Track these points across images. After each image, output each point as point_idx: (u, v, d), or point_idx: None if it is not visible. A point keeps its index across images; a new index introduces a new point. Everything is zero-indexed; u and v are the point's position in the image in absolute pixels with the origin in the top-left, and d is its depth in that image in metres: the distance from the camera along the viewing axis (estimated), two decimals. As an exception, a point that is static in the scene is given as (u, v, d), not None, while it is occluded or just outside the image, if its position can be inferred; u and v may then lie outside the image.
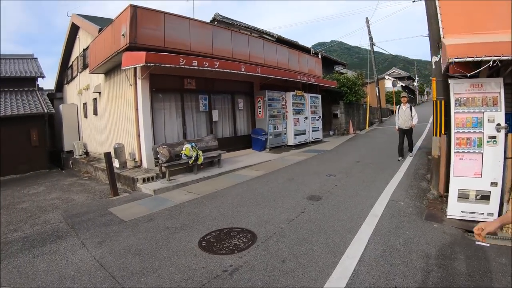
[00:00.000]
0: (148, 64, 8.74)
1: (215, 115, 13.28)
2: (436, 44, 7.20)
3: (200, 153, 10.28)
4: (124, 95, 11.47)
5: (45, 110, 16.61)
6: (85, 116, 16.97)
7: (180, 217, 6.57)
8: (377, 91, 31.19)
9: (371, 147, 15.05)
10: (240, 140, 14.48)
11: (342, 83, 23.10)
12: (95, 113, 15.08)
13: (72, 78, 19.19)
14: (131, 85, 10.75)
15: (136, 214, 6.96)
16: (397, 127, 11.16)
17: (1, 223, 7.08)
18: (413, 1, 30.53)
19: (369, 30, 33.80)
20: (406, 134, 11.01)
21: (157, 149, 9.66)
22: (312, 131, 17.60)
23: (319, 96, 18.95)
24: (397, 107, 11.33)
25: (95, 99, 15.01)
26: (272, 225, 5.71)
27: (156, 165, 10.23)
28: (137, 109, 10.50)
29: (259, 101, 14.90)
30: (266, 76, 13.69)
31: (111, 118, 12.93)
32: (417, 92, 69.82)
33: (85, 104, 16.92)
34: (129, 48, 9.59)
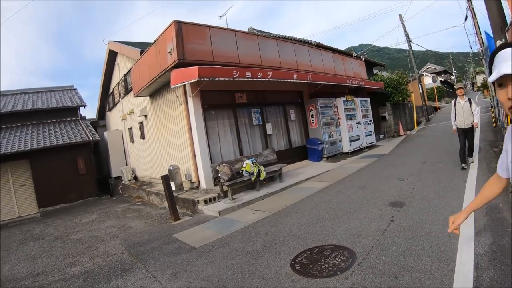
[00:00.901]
0: (202, 79, 8.16)
1: (269, 128, 12.60)
2: (499, 28, 6.28)
3: (262, 168, 9.55)
4: (174, 115, 10.98)
5: (90, 138, 16.44)
6: (132, 141, 16.68)
7: (258, 239, 5.81)
8: (420, 88, 30.10)
9: (430, 146, 13.94)
10: (296, 152, 13.71)
11: (387, 84, 22.19)
12: (142, 136, 14.71)
13: (114, 105, 19.09)
14: (181, 104, 10.23)
15: (206, 239, 6.26)
16: (454, 127, 8.95)
17: (57, 256, 6.60)
18: None
19: (404, 27, 32.89)
20: (467, 134, 8.67)
21: (216, 168, 9.01)
22: (365, 136, 16.64)
23: (368, 99, 18.04)
24: (452, 102, 8.99)
25: (141, 123, 14.66)
26: (365, 238, 4.96)
27: (215, 185, 9.62)
28: (190, 128, 9.94)
29: (311, 109, 14.10)
30: (317, 82, 12.98)
31: (161, 140, 12.47)
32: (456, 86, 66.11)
33: (130, 129, 16.64)
34: (177, 65, 9.07)
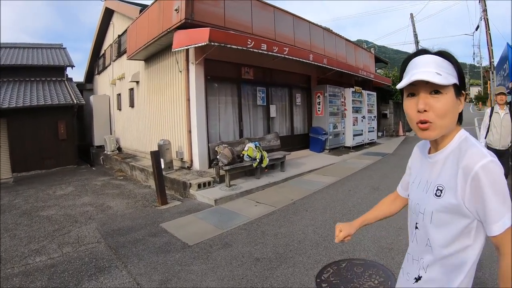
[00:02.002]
0: (213, 44, 6.92)
1: (273, 111, 11.50)
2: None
3: (265, 154, 8.47)
4: (171, 83, 9.76)
5: (75, 101, 15.00)
6: (119, 108, 15.33)
7: (267, 242, 4.73)
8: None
9: None
10: (297, 140, 12.64)
11: (392, 81, 21.20)
12: (131, 105, 13.40)
13: (104, 68, 17.63)
14: (181, 71, 9.03)
15: (202, 235, 5.14)
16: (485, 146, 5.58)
17: (21, 237, 5.47)
18: None
19: (413, 26, 32.10)
20: (502, 159, 5.46)
21: (215, 149, 7.87)
22: (368, 131, 15.80)
23: (375, 94, 17.18)
24: (487, 111, 6.45)
25: (131, 90, 13.33)
26: (398, 253, 4.05)
27: (210, 167, 8.57)
28: (188, 100, 8.74)
29: (319, 96, 13.02)
30: (330, 68, 11.94)
31: (152, 110, 11.23)
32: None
33: (119, 95, 15.27)
34: (183, 26, 7.83)
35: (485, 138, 6.29)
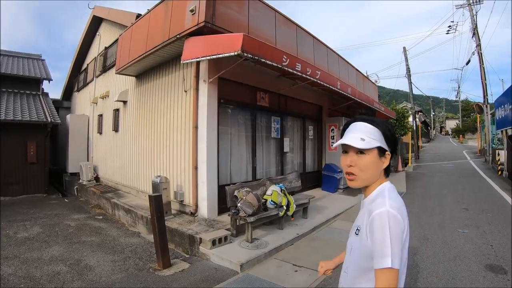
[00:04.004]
0: (245, 55, 5.22)
1: (286, 144, 9.94)
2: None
3: (291, 199, 6.79)
4: (171, 105, 8.02)
5: (49, 119, 12.94)
6: (99, 131, 13.29)
7: None
8: (414, 124, 28.72)
9: (449, 188, 12.34)
10: (309, 178, 11.05)
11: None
12: (115, 128, 11.46)
13: (85, 84, 15.62)
14: (186, 91, 7.34)
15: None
16: None
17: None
18: (447, 33, 28.59)
19: (406, 60, 31.69)
20: None
21: (235, 193, 6.09)
22: (372, 167, 14.12)
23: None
24: None
25: (116, 111, 11.43)
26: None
27: (219, 214, 6.90)
28: (196, 127, 6.97)
29: (333, 130, 11.61)
30: (341, 98, 10.94)
31: (142, 138, 9.37)
32: (432, 127, 68.67)
33: (100, 116, 13.26)
34: (199, 31, 6.21)
35: None
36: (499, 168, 15.30)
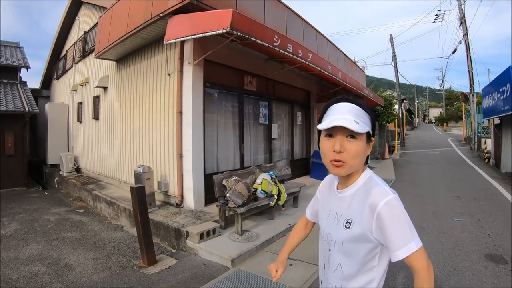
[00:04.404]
0: (234, 32, 4.78)
1: (275, 131, 9.60)
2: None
3: (282, 188, 6.45)
4: (153, 90, 7.56)
5: (27, 109, 12.34)
6: (79, 120, 12.72)
7: None
8: (400, 111, 28.68)
9: (437, 176, 12.29)
10: (297, 165, 10.76)
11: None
12: (96, 116, 10.93)
13: (65, 71, 14.92)
14: (170, 74, 6.88)
15: None
16: None
17: None
18: (434, 21, 28.58)
19: (393, 47, 31.57)
20: None
21: (223, 183, 5.70)
22: (365, 154, 13.93)
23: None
24: None
25: (96, 97, 10.89)
26: None
27: (206, 204, 6.58)
28: (181, 113, 6.56)
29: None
30: (330, 83, 10.88)
31: (124, 125, 8.90)
32: (416, 116, 69.45)
33: (80, 104, 12.67)
34: (184, 9, 5.72)
35: None
36: (486, 156, 15.40)
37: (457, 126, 55.21)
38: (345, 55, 13.96)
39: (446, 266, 4.41)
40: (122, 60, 8.99)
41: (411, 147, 25.74)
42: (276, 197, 6.11)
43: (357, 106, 1.35)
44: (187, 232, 5.27)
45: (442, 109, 71.90)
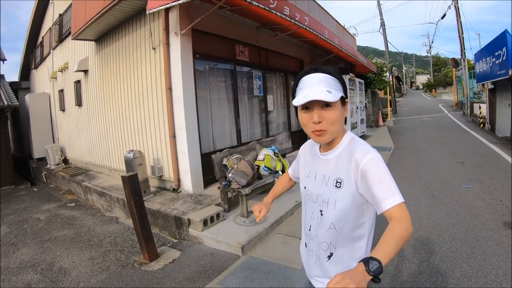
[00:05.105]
0: None
1: (270, 103, 9.11)
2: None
3: (286, 163, 5.96)
4: (138, 67, 6.90)
5: (5, 103, 11.57)
6: (62, 109, 11.98)
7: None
8: (391, 78, 28.39)
9: (438, 142, 12.05)
10: (295, 138, 10.07)
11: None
12: (78, 103, 10.23)
13: (43, 59, 14.02)
14: (155, 48, 6.25)
15: None
16: None
17: None
18: None
19: (381, 14, 31.00)
20: None
21: (224, 162, 5.17)
22: (360, 123, 13.80)
23: (363, 81, 15.16)
24: None
25: (77, 82, 10.15)
26: None
27: (205, 187, 6.09)
28: (170, 89, 5.96)
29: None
30: (327, 50, 10.35)
31: (109, 108, 8.26)
32: (404, 82, 69.63)
33: (61, 91, 11.89)
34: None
35: None
36: (481, 121, 15.30)
37: (445, 92, 55.33)
38: (337, 22, 13.33)
39: (468, 237, 4.14)
40: (102, 39, 8.26)
41: (403, 114, 25.46)
42: (280, 173, 5.63)
43: (327, 75, 1.36)
44: (189, 220, 4.76)
45: (430, 76, 72.14)
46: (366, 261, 1.06)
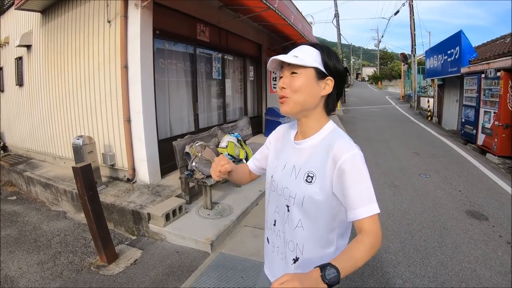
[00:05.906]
0: None
1: (228, 87, 8.80)
2: None
3: (249, 150, 5.65)
4: (90, 42, 6.17)
5: None
6: (1, 89, 10.81)
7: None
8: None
9: (389, 132, 12.53)
10: (251, 124, 10.05)
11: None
12: (19, 82, 9.18)
13: (-22, 34, 12.63)
14: (110, 21, 5.60)
15: None
16: None
17: None
18: None
19: (336, 6, 31.34)
20: None
21: (186, 150, 4.73)
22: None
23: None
24: None
25: (19, 59, 9.08)
26: None
27: (162, 176, 5.68)
28: (126, 67, 5.36)
29: (275, 72, 10.37)
30: (285, 36, 10.41)
31: (55, 89, 7.40)
32: (352, 74, 72.06)
33: (0, 69, 10.75)
34: None
35: None
36: (428, 114, 16.17)
37: (391, 84, 58.15)
38: (296, 8, 13.05)
39: (436, 226, 4.37)
40: (49, 10, 7.35)
41: (352, 104, 25.96)
42: (244, 161, 5.29)
43: (307, 45, 1.27)
44: (149, 214, 4.29)
45: (376, 68, 74.87)
46: (323, 267, 0.94)
